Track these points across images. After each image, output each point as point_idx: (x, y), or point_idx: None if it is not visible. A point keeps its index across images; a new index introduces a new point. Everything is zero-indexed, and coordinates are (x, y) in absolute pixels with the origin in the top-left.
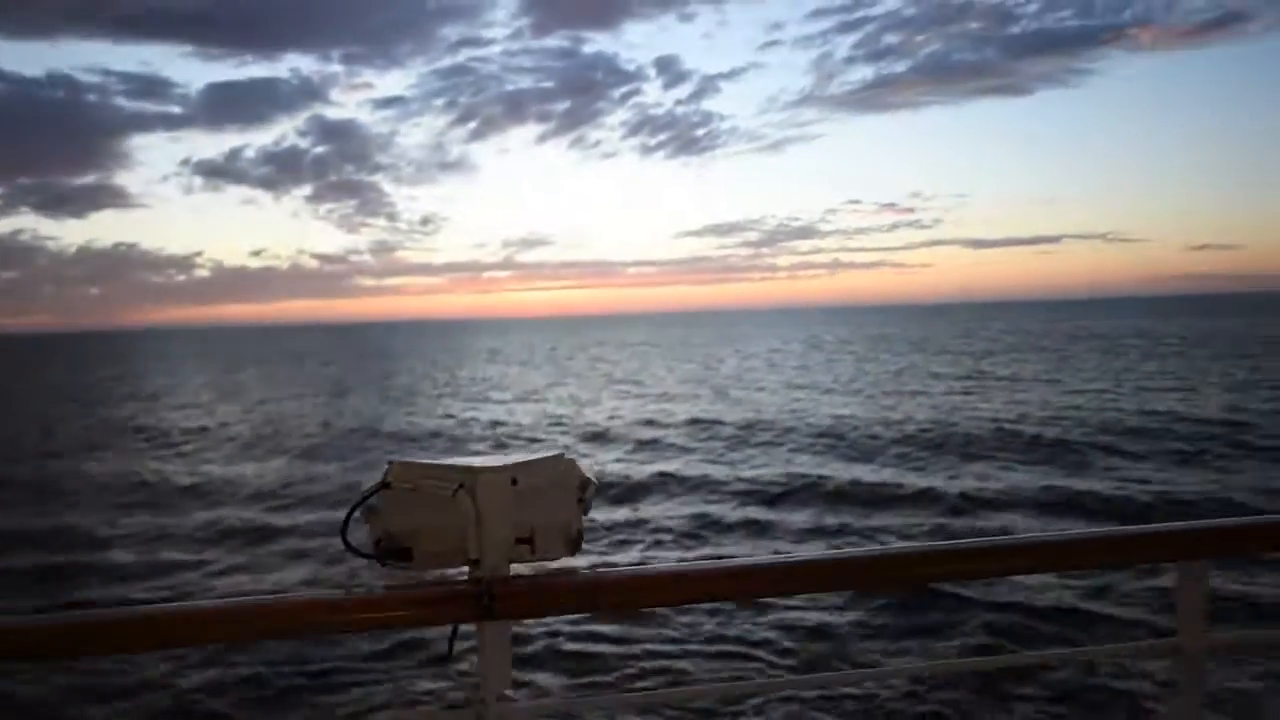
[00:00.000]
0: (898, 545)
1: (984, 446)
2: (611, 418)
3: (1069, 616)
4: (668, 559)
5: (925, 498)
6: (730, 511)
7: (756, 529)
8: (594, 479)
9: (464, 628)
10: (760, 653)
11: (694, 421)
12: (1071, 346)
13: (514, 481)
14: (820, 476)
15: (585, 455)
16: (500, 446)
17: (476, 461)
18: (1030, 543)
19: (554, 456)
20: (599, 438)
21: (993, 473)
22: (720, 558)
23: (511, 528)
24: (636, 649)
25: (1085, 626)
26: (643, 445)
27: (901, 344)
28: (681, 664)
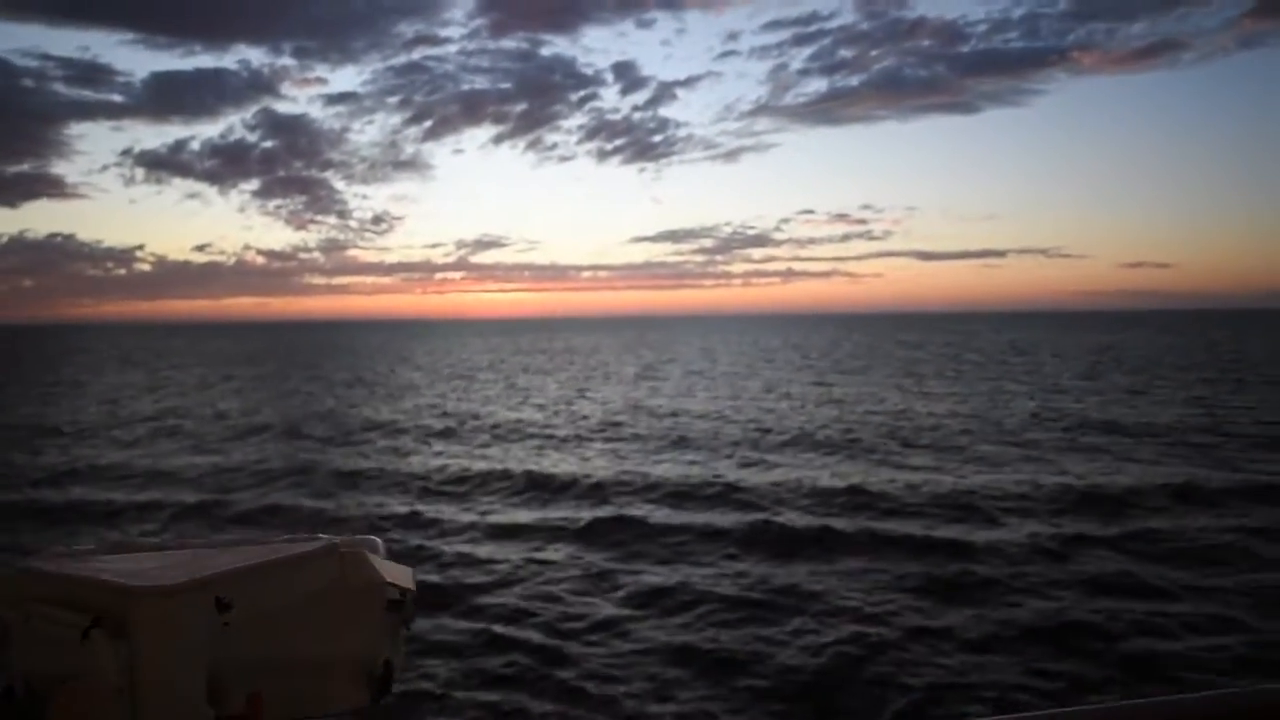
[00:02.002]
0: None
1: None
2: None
3: None
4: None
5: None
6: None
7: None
8: (410, 579)
9: None
10: None
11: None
12: (921, 361)
13: (223, 606)
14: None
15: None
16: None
17: (173, 566)
18: None
19: (324, 547)
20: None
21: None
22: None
23: (235, 678)
24: None
25: None
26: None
27: (794, 353)
28: None
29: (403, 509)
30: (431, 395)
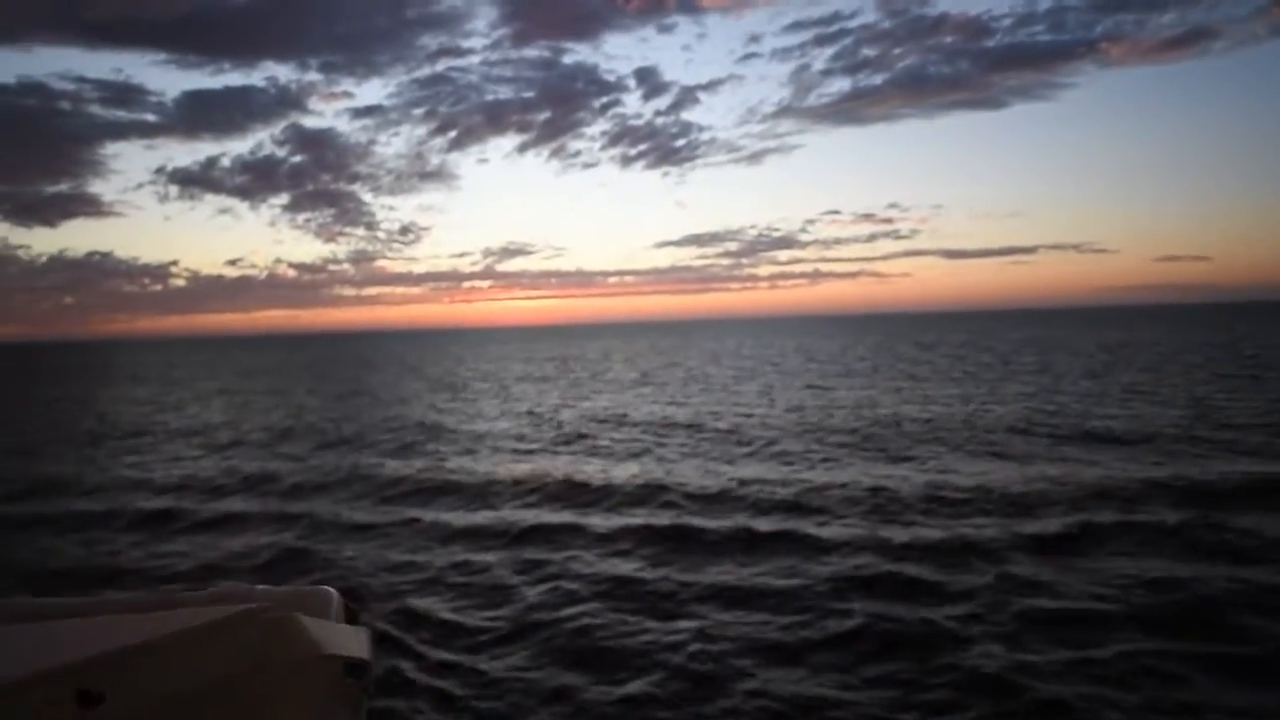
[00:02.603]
0: None
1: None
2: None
3: None
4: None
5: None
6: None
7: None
8: (364, 645)
9: None
10: None
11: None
12: (931, 359)
13: (89, 700)
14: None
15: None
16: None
17: (27, 646)
18: None
19: (238, 615)
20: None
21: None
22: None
23: None
24: None
25: None
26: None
27: (804, 356)
28: None
29: (330, 516)
30: (420, 406)
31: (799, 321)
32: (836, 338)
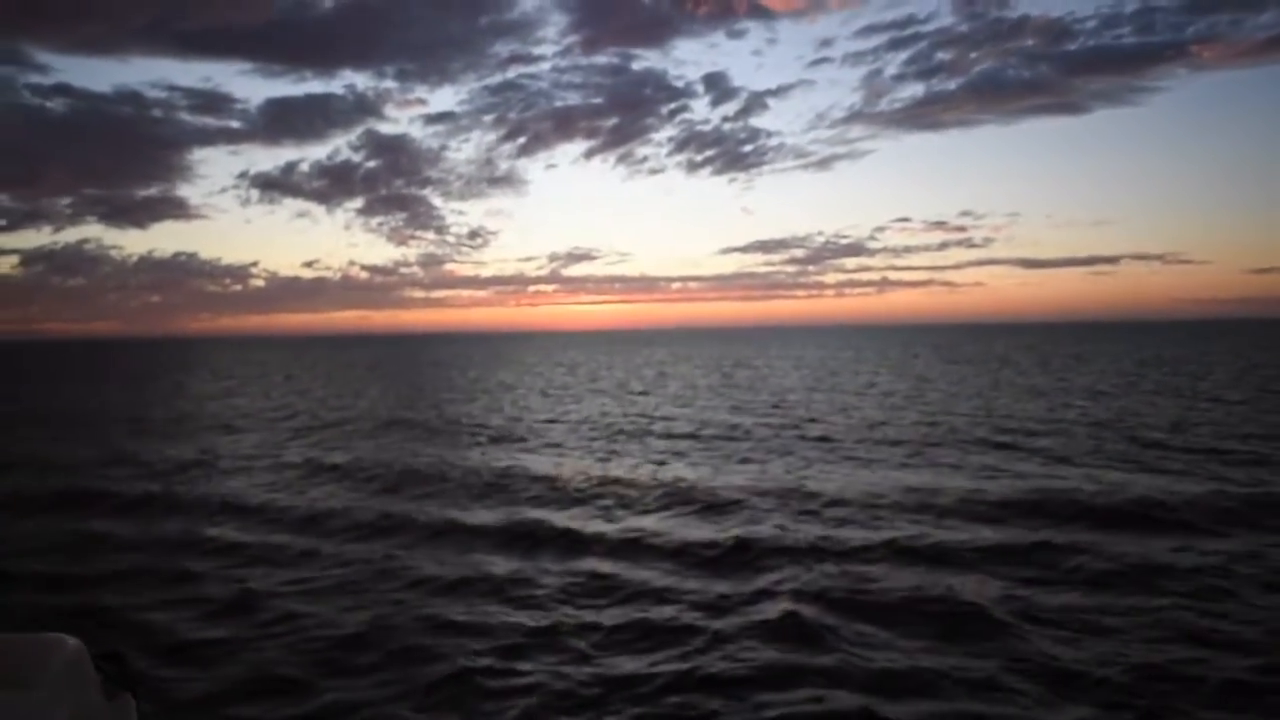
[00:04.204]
0: None
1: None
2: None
3: None
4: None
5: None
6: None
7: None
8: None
9: None
10: None
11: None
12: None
13: None
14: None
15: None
16: None
17: None
18: None
19: None
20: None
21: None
22: None
23: None
24: None
25: None
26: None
27: (835, 362)
28: None
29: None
30: (423, 407)
31: (866, 330)
32: (880, 346)
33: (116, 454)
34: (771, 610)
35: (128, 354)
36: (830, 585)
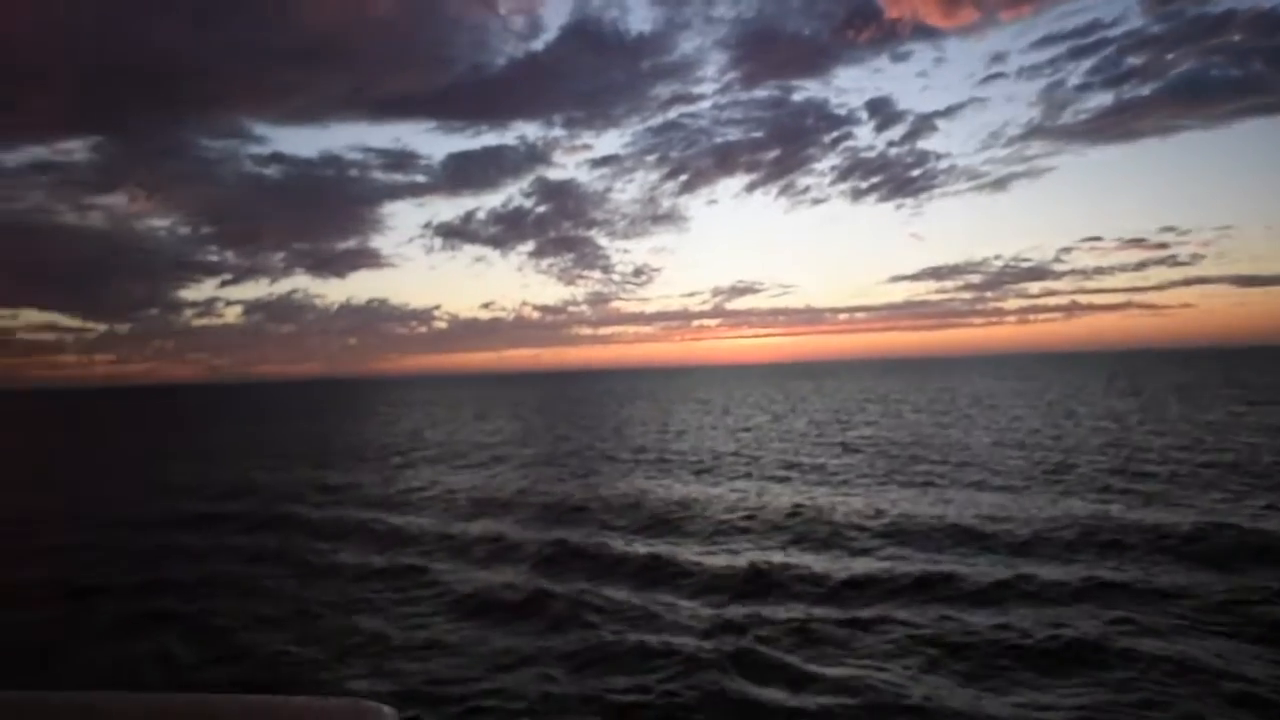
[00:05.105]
0: None
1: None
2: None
3: None
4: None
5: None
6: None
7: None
8: None
9: None
10: None
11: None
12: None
13: None
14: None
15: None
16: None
17: None
18: None
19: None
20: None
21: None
22: None
23: None
24: None
25: None
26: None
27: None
28: None
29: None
30: (630, 439)
31: (1054, 359)
32: (1110, 372)
33: (353, 480)
34: None
35: (330, 392)
36: None
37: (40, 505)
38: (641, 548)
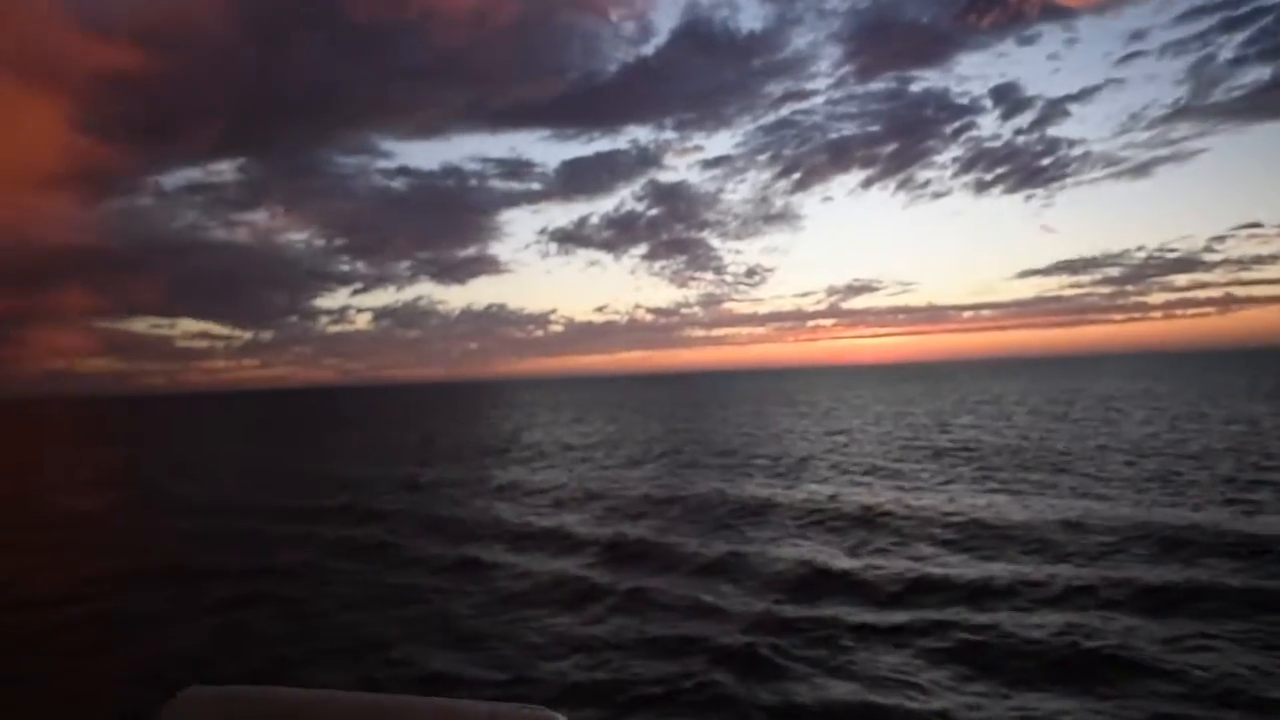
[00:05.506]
0: None
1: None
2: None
3: None
4: None
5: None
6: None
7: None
8: None
9: None
10: None
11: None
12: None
13: None
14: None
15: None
16: None
17: None
18: None
19: None
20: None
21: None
22: None
23: None
24: None
25: None
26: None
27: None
28: None
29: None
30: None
31: (1206, 356)
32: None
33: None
34: None
35: (449, 395)
36: None
37: (180, 494)
38: (705, 549)
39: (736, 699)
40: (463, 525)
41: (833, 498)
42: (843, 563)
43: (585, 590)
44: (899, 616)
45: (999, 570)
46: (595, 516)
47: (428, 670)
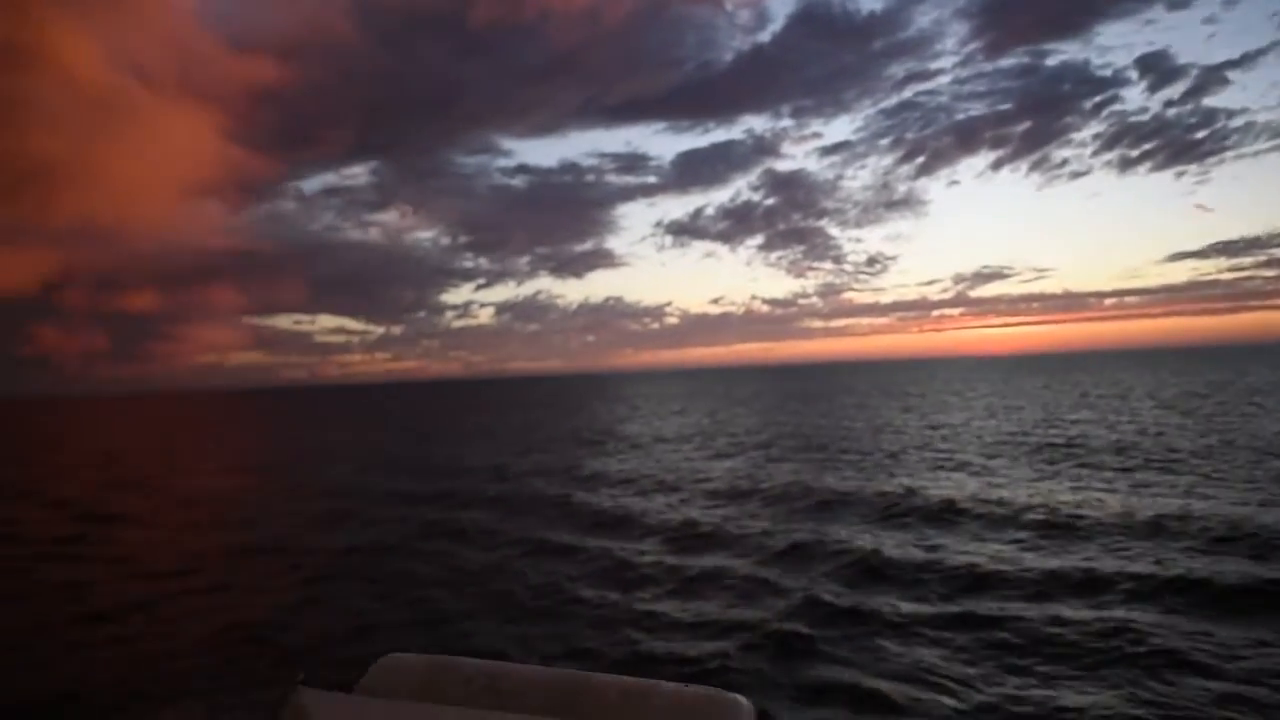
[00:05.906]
0: None
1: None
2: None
3: None
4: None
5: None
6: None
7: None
8: None
9: None
10: None
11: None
12: None
13: None
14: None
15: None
16: None
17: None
18: None
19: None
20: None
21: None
22: None
23: None
24: None
25: None
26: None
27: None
28: None
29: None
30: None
31: None
32: None
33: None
34: None
35: (564, 387)
36: None
37: (301, 480)
38: (771, 540)
39: (775, 681)
40: (543, 510)
41: (911, 491)
42: (906, 555)
43: (641, 575)
44: (951, 608)
45: (1064, 566)
46: (669, 504)
47: (482, 633)
